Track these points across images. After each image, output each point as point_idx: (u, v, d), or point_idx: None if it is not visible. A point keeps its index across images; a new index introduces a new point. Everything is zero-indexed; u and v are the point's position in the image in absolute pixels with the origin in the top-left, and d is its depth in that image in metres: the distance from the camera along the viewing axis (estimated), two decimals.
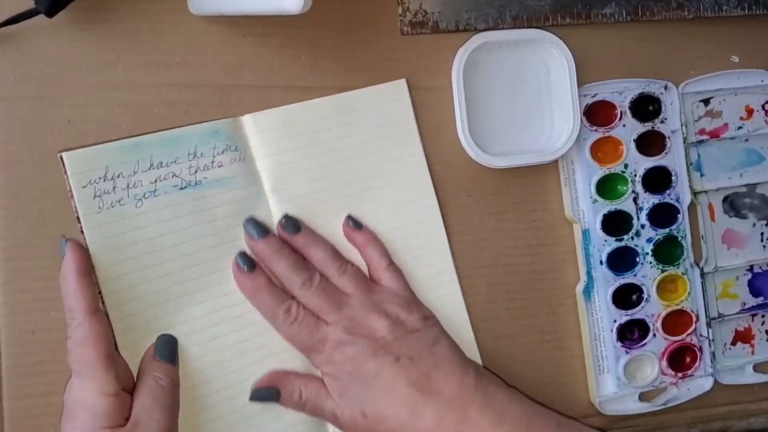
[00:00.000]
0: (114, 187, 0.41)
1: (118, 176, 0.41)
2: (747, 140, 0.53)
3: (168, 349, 0.42)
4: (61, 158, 0.41)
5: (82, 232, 0.41)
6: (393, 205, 0.47)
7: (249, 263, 0.43)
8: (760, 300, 0.53)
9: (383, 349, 0.42)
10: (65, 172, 0.41)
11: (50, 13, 0.41)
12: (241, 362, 0.43)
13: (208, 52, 0.45)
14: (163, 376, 0.40)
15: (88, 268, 0.40)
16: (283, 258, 0.43)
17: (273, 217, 0.45)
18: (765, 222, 0.54)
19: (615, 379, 0.50)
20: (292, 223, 0.44)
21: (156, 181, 0.42)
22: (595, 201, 0.49)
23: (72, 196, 0.41)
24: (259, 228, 0.43)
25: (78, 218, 0.41)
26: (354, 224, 0.46)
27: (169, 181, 0.42)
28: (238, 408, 0.43)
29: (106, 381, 0.38)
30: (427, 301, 0.47)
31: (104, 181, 0.41)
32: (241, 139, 0.44)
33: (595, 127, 0.49)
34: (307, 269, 0.43)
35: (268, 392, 0.43)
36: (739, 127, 0.52)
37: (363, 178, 0.46)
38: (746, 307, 0.53)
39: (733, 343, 0.53)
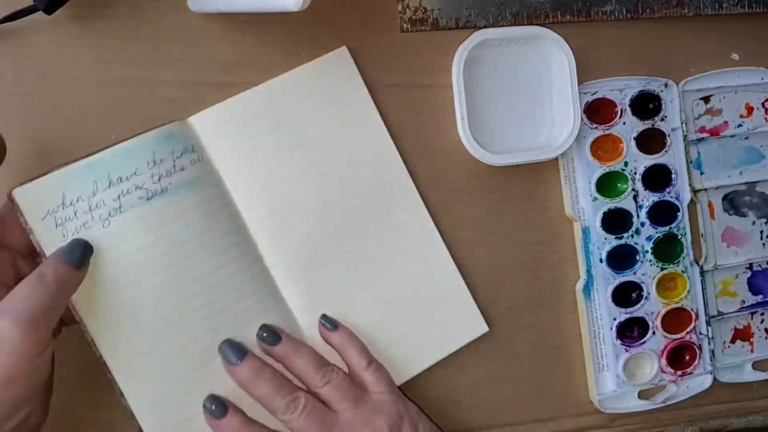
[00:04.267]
0: (75, 213, 0.39)
1: (78, 200, 0.39)
2: (747, 138, 0.53)
3: (76, 252, 0.38)
4: (12, 196, 0.39)
5: None
6: (358, 178, 0.46)
7: (220, 409, 0.41)
8: (759, 298, 0.54)
9: None
10: (18, 209, 0.39)
11: (49, 10, 0.41)
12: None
13: (207, 49, 0.45)
14: (51, 272, 0.37)
15: None
16: (264, 381, 0.41)
17: (242, 214, 0.44)
18: (765, 220, 0.54)
19: (614, 377, 0.50)
20: (272, 333, 0.42)
21: (119, 197, 0.40)
22: (595, 199, 0.49)
23: (31, 232, 0.39)
24: (237, 350, 0.41)
25: (41, 253, 0.39)
26: (330, 325, 0.45)
27: (133, 194, 0.40)
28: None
29: None
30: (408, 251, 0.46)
31: (63, 208, 0.39)
32: (196, 140, 0.43)
33: (595, 125, 0.49)
34: (291, 390, 0.41)
35: None
36: (739, 125, 0.52)
37: (324, 159, 0.45)
38: (745, 305, 0.53)
39: (733, 341, 0.53)
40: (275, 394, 0.41)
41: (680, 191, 0.51)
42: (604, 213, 0.49)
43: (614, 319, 0.49)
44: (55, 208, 0.39)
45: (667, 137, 0.50)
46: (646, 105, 0.50)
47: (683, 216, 0.51)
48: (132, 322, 0.40)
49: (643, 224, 0.50)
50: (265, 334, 0.42)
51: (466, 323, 0.48)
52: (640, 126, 0.50)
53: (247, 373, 0.41)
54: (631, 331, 0.50)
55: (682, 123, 0.51)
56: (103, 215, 0.40)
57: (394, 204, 0.47)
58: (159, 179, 0.41)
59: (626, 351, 0.50)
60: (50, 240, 0.39)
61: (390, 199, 0.47)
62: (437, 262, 0.47)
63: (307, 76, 0.45)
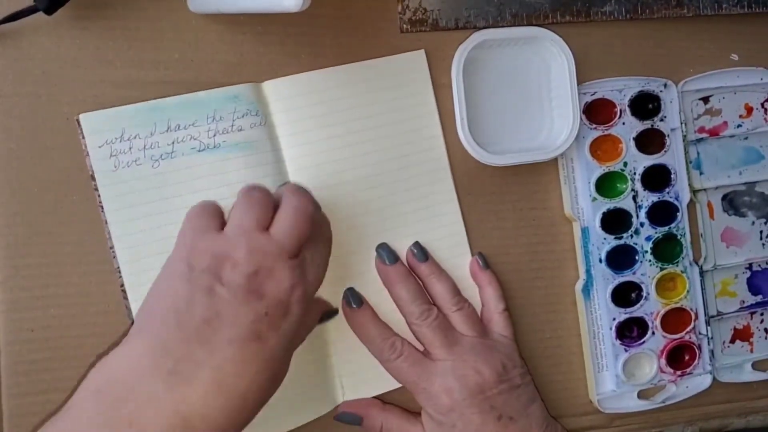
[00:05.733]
0: (130, 148, 0.42)
1: (135, 137, 0.42)
2: (746, 138, 0.53)
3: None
4: (78, 120, 0.42)
5: (96, 189, 0.42)
6: (407, 178, 0.47)
7: (357, 300, 0.45)
8: (758, 298, 0.54)
9: (487, 401, 0.43)
10: (81, 132, 0.42)
11: (49, 10, 0.41)
12: None
13: (207, 50, 0.45)
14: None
15: None
16: (406, 286, 0.45)
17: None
18: (764, 220, 0.54)
19: (614, 377, 0.50)
20: (422, 252, 0.46)
21: (173, 143, 0.43)
22: (594, 199, 0.49)
23: (87, 155, 0.42)
24: (392, 254, 0.46)
25: (92, 176, 0.42)
26: (483, 263, 0.48)
27: (186, 143, 0.43)
28: None
29: None
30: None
31: (121, 141, 0.42)
32: (263, 105, 0.45)
33: (594, 125, 0.49)
34: (427, 301, 0.45)
35: (352, 417, 0.46)
36: (739, 126, 0.52)
37: (380, 149, 0.46)
38: (745, 305, 0.53)
39: (732, 341, 0.53)
40: (413, 299, 0.45)
41: (679, 191, 0.51)
42: (604, 213, 0.49)
43: (613, 319, 0.50)
44: (113, 139, 0.42)
45: (667, 137, 0.50)
46: (645, 105, 0.50)
47: (683, 216, 0.51)
48: (154, 258, 0.42)
49: (642, 224, 0.50)
50: (415, 251, 0.46)
51: None
52: (639, 126, 0.50)
53: (395, 274, 0.45)
54: (630, 331, 0.50)
55: (681, 123, 0.51)
56: (155, 156, 0.43)
57: (435, 220, 0.48)
58: (214, 135, 0.43)
59: (625, 351, 0.50)
60: (102, 167, 0.42)
61: (433, 209, 0.48)
62: (459, 257, 0.48)
63: (384, 69, 0.47)
